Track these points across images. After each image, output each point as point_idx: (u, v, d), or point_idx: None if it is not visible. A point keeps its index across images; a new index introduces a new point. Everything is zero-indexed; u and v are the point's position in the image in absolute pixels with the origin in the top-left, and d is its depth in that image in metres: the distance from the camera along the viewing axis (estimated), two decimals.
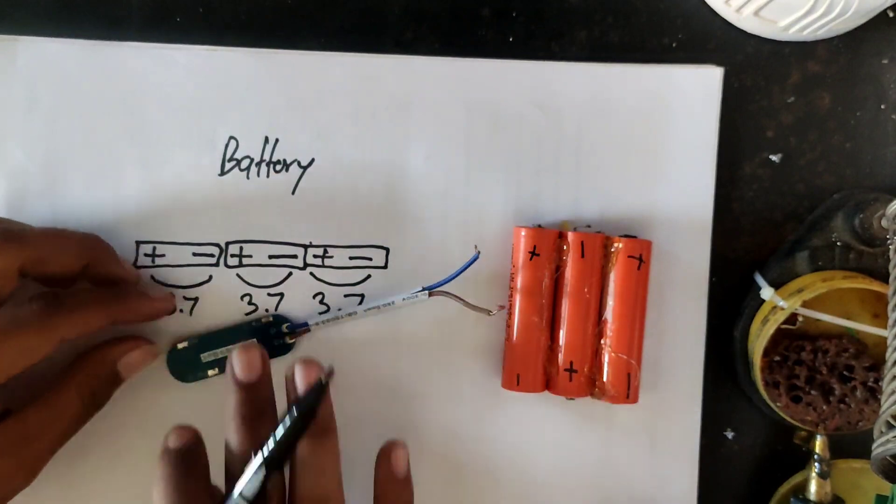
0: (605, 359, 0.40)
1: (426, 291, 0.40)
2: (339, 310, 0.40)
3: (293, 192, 0.41)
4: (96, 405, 0.38)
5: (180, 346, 0.40)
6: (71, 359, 0.38)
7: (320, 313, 0.41)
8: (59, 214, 0.40)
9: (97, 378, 0.38)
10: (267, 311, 0.41)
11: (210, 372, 0.40)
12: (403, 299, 0.40)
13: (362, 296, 0.41)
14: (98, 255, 0.37)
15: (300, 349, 0.41)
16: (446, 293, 0.40)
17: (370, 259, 0.41)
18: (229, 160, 0.40)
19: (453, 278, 0.39)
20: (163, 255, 0.40)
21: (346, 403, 0.40)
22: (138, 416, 0.40)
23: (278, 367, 0.36)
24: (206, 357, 0.40)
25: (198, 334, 0.40)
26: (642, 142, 0.41)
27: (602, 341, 0.40)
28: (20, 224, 0.37)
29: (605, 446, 0.42)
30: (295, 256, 0.41)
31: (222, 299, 0.41)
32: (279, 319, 0.40)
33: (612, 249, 0.40)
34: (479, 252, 0.39)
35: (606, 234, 0.40)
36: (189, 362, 0.40)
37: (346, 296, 0.41)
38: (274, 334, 0.40)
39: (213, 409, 0.37)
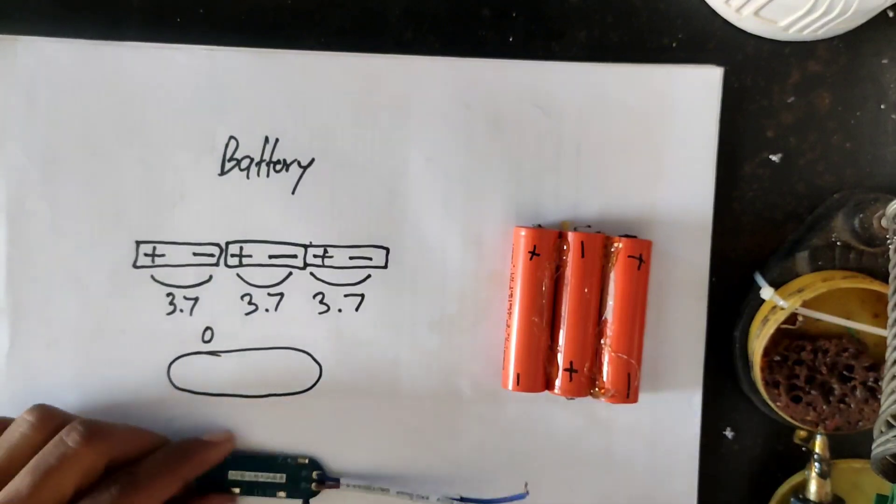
0: (605, 359, 0.40)
1: (464, 502, 0.40)
2: (373, 481, 0.40)
3: (293, 192, 0.41)
4: None
5: None
6: None
7: (355, 478, 0.40)
8: (58, 214, 0.40)
9: None
10: (307, 459, 0.40)
11: (234, 489, 0.40)
12: (438, 500, 0.40)
13: (362, 296, 0.41)
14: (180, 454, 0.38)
15: (323, 499, 0.40)
16: None
17: (370, 259, 0.41)
18: (229, 160, 0.40)
19: (495, 503, 0.40)
20: (163, 255, 0.40)
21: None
22: None
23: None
24: (233, 475, 0.40)
25: (232, 452, 0.40)
26: (642, 142, 0.41)
27: (602, 341, 0.40)
28: (106, 424, 0.37)
29: (605, 446, 0.42)
30: (295, 256, 0.41)
31: (222, 299, 0.41)
32: (314, 465, 0.40)
33: (612, 249, 0.40)
34: (528, 491, 0.40)
35: (606, 234, 0.40)
36: (215, 474, 0.40)
37: (346, 296, 0.41)
38: (303, 476, 0.40)
39: None
